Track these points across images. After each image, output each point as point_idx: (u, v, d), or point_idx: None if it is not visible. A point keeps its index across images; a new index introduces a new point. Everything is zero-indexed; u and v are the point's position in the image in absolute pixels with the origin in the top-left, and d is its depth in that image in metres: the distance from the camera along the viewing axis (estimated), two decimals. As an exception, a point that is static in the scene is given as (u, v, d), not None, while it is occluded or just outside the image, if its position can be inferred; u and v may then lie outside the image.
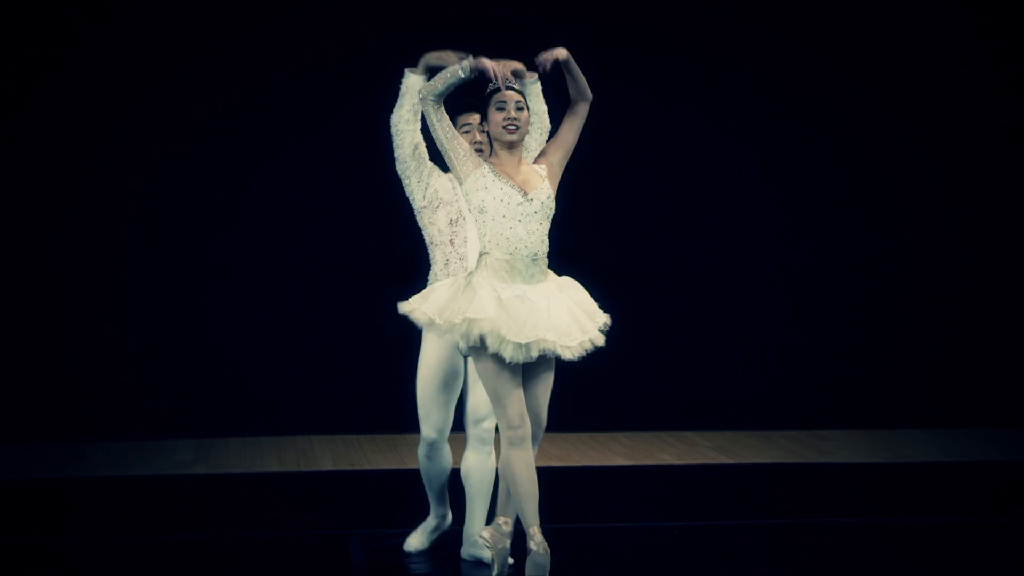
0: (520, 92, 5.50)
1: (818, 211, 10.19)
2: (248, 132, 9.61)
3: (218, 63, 9.51)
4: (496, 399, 5.37)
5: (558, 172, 5.54)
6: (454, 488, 6.20)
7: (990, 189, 10.26)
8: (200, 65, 9.48)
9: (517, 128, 5.45)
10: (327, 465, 8.65)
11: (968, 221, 10.27)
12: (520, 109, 5.46)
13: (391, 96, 9.74)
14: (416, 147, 5.84)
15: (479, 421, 5.92)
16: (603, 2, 9.81)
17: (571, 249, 9.70)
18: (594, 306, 5.57)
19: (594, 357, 9.67)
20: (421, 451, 6.05)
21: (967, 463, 8.94)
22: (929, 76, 10.16)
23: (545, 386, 5.51)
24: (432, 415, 5.95)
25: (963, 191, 10.26)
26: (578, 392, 9.93)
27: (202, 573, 6.05)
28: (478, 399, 5.89)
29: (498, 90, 5.46)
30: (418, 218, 5.96)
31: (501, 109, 5.44)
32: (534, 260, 5.42)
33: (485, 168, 5.45)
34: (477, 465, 5.93)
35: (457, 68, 5.38)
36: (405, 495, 7.31)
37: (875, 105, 10.13)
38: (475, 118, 5.88)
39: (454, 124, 5.65)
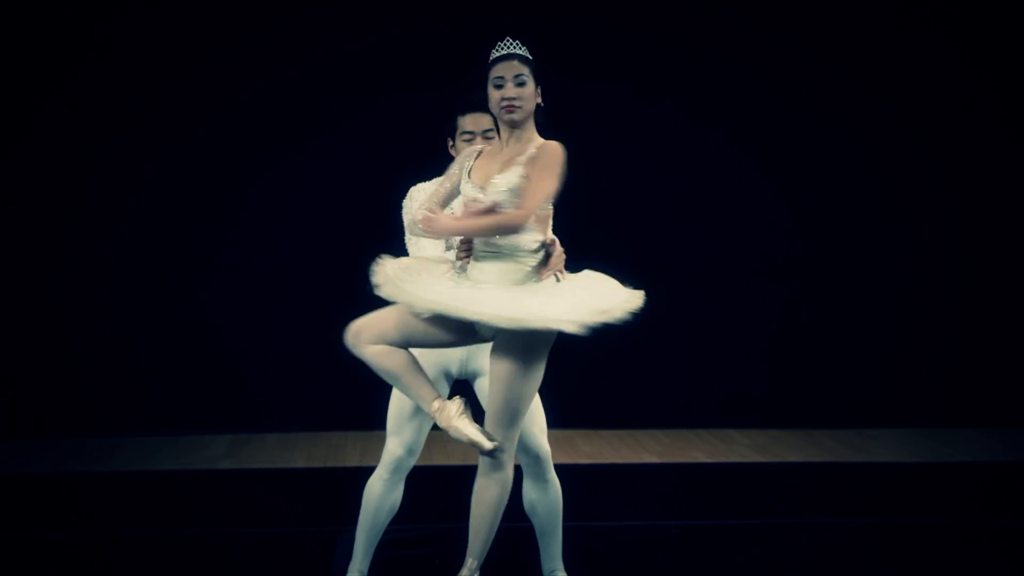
0: (525, 61, 4.79)
1: (862, 206, 9.98)
2: (281, 131, 9.63)
3: (222, 63, 9.50)
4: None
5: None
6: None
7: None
8: (204, 66, 9.48)
9: (517, 107, 4.75)
10: (353, 461, 8.61)
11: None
12: (521, 84, 4.74)
13: (392, 97, 9.70)
14: None
15: (528, 450, 5.21)
16: (607, 2, 9.68)
17: (609, 243, 9.66)
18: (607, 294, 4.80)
19: (638, 353, 9.75)
20: (380, 474, 5.22)
21: (1016, 463, 8.68)
22: (939, 80, 9.89)
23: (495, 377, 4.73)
24: (404, 430, 5.20)
25: (980, 185, 10.02)
26: (618, 389, 9.85)
27: (199, 568, 6.04)
28: (527, 428, 5.16)
29: (497, 61, 4.79)
30: None
31: (499, 87, 4.75)
32: (495, 255, 4.74)
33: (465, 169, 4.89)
34: (541, 498, 5.29)
35: None
36: (420, 491, 7.24)
37: (888, 107, 9.90)
38: (482, 121, 5.14)
39: (455, 128, 5.22)
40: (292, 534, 6.61)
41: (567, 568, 5.41)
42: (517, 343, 4.68)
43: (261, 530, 6.73)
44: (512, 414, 4.73)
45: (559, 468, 8.27)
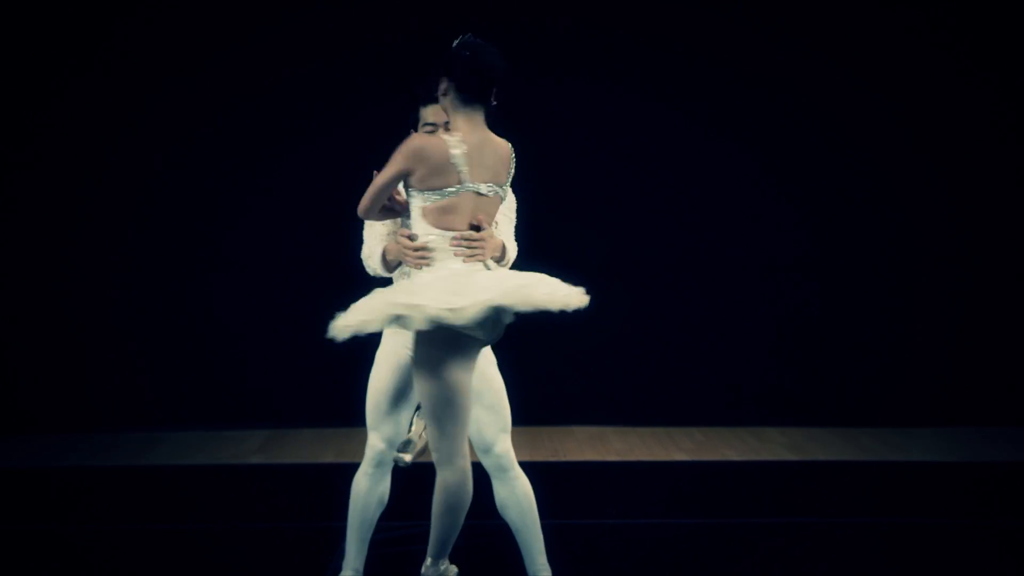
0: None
1: (906, 203, 9.84)
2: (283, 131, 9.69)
3: (223, 63, 9.59)
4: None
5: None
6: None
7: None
8: (205, 66, 9.57)
9: None
10: (380, 457, 8.62)
11: None
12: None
13: (390, 97, 9.66)
14: None
15: (488, 449, 5.15)
16: (604, 1, 9.62)
17: (642, 244, 9.62)
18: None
19: (678, 350, 9.66)
20: (364, 469, 5.23)
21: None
22: (942, 80, 9.75)
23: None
24: (383, 425, 5.20)
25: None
26: (656, 386, 9.78)
27: (206, 563, 6.09)
28: (479, 424, 5.10)
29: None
30: None
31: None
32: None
33: None
34: (508, 495, 5.17)
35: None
36: (417, 489, 7.24)
37: (894, 108, 9.77)
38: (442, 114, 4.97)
39: (417, 119, 5.09)
40: (306, 529, 6.62)
41: (578, 567, 5.36)
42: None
43: (277, 525, 6.76)
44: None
45: (589, 465, 8.28)
